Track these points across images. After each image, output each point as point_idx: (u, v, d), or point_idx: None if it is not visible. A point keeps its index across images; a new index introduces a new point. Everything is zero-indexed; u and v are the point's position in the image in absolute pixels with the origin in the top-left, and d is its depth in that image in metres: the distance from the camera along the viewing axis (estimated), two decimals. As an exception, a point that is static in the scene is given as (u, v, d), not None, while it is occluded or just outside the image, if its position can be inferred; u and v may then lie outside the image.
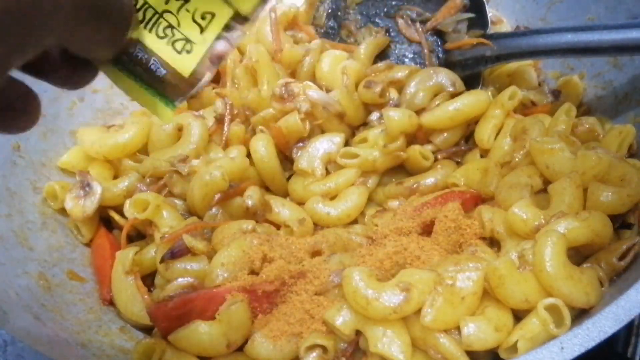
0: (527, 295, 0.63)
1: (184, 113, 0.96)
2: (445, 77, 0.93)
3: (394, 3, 1.06)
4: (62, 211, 0.89)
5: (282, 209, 0.85)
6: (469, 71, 0.98)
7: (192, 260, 0.78)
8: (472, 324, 0.63)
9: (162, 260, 0.79)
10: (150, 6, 0.44)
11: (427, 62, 1.02)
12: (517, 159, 0.81)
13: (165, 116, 0.48)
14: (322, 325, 0.68)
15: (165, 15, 0.45)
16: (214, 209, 0.85)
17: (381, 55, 1.04)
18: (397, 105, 0.93)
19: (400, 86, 0.95)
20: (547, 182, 0.75)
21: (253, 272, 0.74)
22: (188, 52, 0.46)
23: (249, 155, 0.92)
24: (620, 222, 0.72)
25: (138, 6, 0.45)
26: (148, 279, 0.83)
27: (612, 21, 0.94)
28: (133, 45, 0.44)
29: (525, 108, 0.94)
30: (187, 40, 0.46)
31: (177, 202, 0.89)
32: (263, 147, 0.90)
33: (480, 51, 0.95)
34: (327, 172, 0.91)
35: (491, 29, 1.01)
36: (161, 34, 0.45)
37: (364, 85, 0.93)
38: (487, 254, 0.71)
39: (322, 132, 0.94)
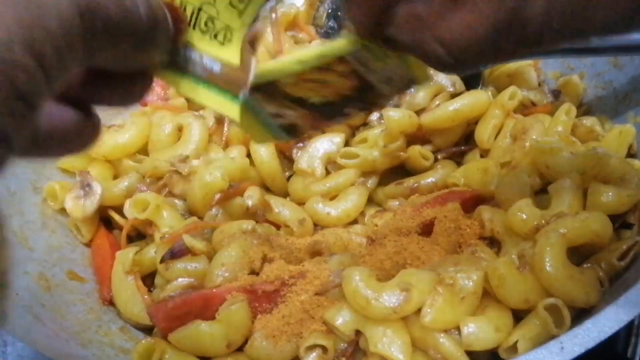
0: (527, 295, 0.63)
1: (184, 113, 0.96)
2: (445, 77, 0.93)
3: (394, 3, 1.06)
4: (62, 211, 0.89)
5: (282, 209, 0.85)
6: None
7: (192, 260, 0.78)
8: (472, 324, 0.63)
9: (162, 260, 0.79)
10: (188, 2, 0.43)
11: (427, 62, 1.01)
12: (517, 159, 0.81)
13: (234, 112, 0.45)
14: (322, 325, 0.68)
15: (204, 7, 0.43)
16: (214, 209, 0.85)
17: (381, 55, 1.04)
18: (397, 106, 0.93)
19: (400, 86, 0.95)
20: (547, 182, 0.75)
21: (253, 272, 0.74)
22: (230, 40, 0.44)
23: (249, 155, 0.92)
24: (620, 222, 0.72)
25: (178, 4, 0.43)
26: (148, 279, 0.83)
27: (612, 21, 0.94)
28: (183, 46, 0.43)
29: (525, 108, 0.94)
30: (228, 28, 0.44)
31: (177, 202, 0.89)
32: (263, 147, 0.90)
33: (480, 51, 0.95)
34: (327, 172, 0.91)
35: (491, 29, 1.00)
36: (203, 29, 0.43)
37: (364, 85, 0.93)
38: (487, 254, 0.71)
39: (322, 132, 0.94)
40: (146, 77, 0.43)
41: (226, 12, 0.43)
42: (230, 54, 0.44)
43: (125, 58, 0.40)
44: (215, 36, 0.43)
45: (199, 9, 0.43)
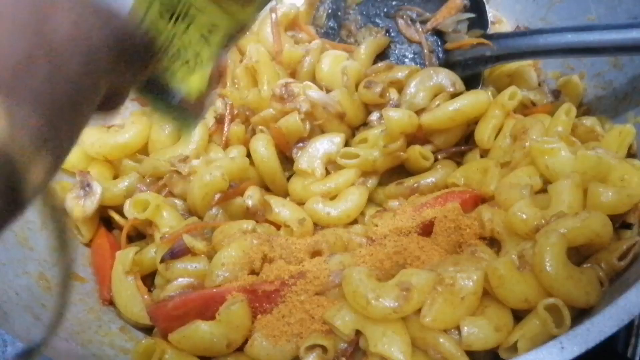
0: (527, 295, 0.63)
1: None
2: (445, 77, 0.93)
3: (394, 3, 1.06)
4: (62, 211, 0.89)
5: (282, 209, 0.85)
6: (469, 71, 0.98)
7: (192, 260, 0.78)
8: (472, 324, 0.63)
9: (162, 260, 0.79)
10: (159, 31, 0.45)
11: (427, 62, 1.02)
12: (517, 159, 0.81)
13: (189, 134, 0.50)
14: (322, 325, 0.68)
15: (176, 37, 0.45)
16: (214, 209, 0.85)
17: (381, 55, 1.04)
18: (397, 106, 0.93)
19: (400, 86, 0.95)
20: (547, 182, 0.75)
21: (253, 272, 0.74)
22: (198, 69, 0.47)
23: (249, 155, 0.92)
24: (620, 222, 0.72)
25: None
26: (148, 279, 0.83)
27: (612, 21, 0.94)
28: (155, 72, 0.46)
29: (525, 108, 0.94)
30: (197, 57, 0.47)
31: (177, 202, 0.89)
32: (263, 147, 0.90)
33: (480, 51, 0.95)
34: (327, 172, 0.91)
35: (491, 29, 1.01)
36: (173, 55, 0.46)
37: (364, 85, 0.93)
38: (487, 254, 0.71)
39: (322, 132, 0.94)
40: (125, 93, 0.45)
41: (196, 42, 0.46)
42: (197, 82, 0.47)
43: (133, 78, 0.42)
44: (186, 63, 0.46)
45: (172, 37, 0.45)
